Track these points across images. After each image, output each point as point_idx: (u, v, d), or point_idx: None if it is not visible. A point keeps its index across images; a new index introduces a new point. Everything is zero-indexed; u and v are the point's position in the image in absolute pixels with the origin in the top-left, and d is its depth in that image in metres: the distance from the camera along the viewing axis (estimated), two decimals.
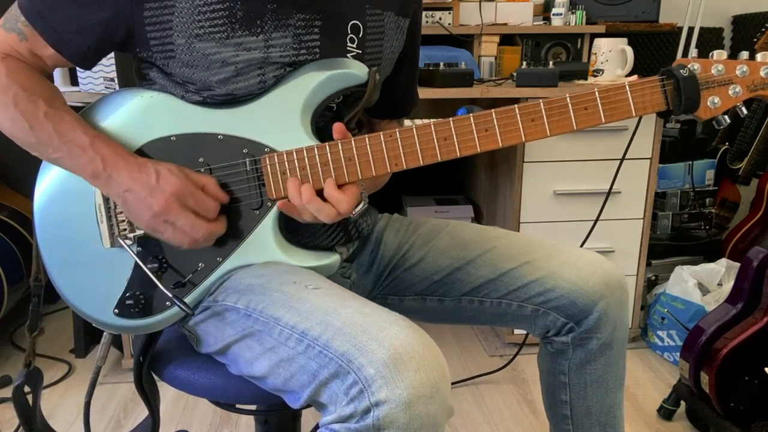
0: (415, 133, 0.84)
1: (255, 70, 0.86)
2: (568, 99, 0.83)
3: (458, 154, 0.85)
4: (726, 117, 0.85)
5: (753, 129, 2.38)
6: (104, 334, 0.99)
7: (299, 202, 0.85)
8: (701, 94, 0.83)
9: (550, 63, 1.91)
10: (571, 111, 0.83)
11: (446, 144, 0.84)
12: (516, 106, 0.84)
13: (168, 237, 0.84)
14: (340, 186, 0.86)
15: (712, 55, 0.84)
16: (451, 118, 0.84)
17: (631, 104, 0.83)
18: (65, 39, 0.84)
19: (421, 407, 0.68)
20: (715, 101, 0.84)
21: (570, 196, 1.95)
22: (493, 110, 0.84)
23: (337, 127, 0.86)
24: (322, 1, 0.87)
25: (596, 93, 0.83)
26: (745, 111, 0.85)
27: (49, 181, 0.90)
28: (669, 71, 0.84)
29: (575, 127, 0.83)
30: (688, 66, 0.83)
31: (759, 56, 0.84)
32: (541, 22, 2.26)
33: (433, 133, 0.84)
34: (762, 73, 0.83)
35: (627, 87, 0.83)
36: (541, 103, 0.83)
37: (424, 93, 1.76)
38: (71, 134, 0.83)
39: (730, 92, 0.84)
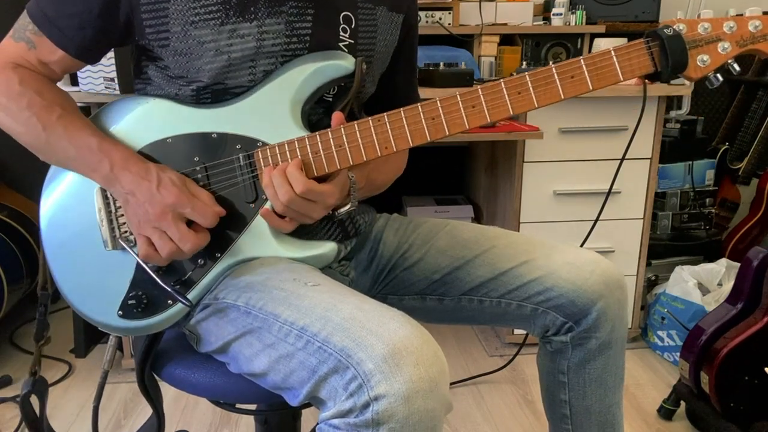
0: (403, 115, 0.85)
1: (247, 62, 0.87)
2: (553, 69, 0.83)
3: (447, 132, 0.85)
4: (718, 75, 0.82)
5: (753, 129, 2.38)
6: (110, 337, 0.99)
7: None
8: (689, 53, 0.81)
9: (550, 63, 1.90)
10: (557, 80, 0.83)
11: (434, 123, 0.85)
12: (501, 80, 0.84)
13: (154, 242, 0.84)
14: (324, 179, 0.87)
15: (699, 14, 0.82)
16: (438, 98, 0.84)
17: (618, 68, 0.82)
18: (69, 37, 0.87)
19: (419, 402, 0.68)
20: (704, 59, 0.81)
21: (570, 196, 1.95)
22: (479, 86, 0.84)
23: (336, 116, 0.87)
24: None
25: (581, 61, 0.82)
26: (737, 68, 0.81)
27: (55, 190, 0.92)
28: (653, 32, 0.82)
29: (562, 96, 0.83)
30: (674, 26, 0.81)
31: (747, 11, 0.81)
32: (541, 22, 2.27)
33: (421, 114, 0.85)
34: (751, 28, 0.80)
35: (612, 52, 0.82)
36: (527, 75, 0.83)
37: (424, 93, 1.75)
38: (81, 137, 0.86)
39: (719, 49, 0.81)
